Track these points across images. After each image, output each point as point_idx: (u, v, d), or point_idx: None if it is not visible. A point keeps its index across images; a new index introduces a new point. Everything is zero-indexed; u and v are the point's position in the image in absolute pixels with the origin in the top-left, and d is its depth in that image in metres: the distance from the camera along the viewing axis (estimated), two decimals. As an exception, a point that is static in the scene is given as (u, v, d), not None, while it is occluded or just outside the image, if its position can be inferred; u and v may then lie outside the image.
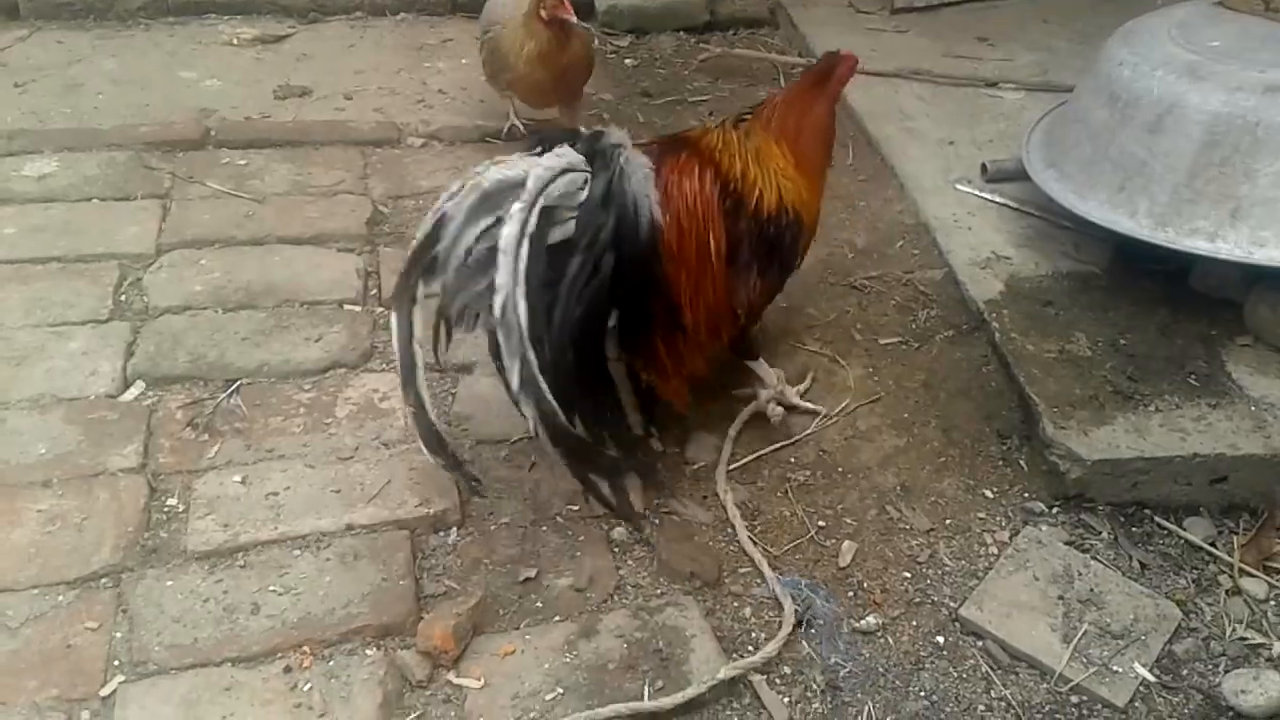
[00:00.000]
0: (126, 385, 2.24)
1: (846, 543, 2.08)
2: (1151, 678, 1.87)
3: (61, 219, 2.65)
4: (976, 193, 2.97)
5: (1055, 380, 2.33)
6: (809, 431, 2.31)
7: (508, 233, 1.76)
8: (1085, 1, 4.23)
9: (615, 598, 1.92)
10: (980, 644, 1.92)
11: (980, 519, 2.15)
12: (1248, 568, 2.10)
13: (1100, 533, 2.13)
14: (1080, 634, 1.92)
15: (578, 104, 3.09)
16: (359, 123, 3.15)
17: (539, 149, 1.89)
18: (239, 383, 2.26)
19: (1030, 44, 3.86)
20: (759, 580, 1.99)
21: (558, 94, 2.99)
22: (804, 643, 1.89)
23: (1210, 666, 1.92)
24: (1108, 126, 2.58)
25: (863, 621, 1.94)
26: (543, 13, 2.74)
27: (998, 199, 2.94)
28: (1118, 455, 2.15)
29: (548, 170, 1.83)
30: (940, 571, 2.04)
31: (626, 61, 3.84)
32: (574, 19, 2.76)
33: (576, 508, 2.07)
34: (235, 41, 3.64)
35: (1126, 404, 2.28)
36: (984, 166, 3.03)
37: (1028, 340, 2.44)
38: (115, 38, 3.65)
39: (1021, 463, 2.26)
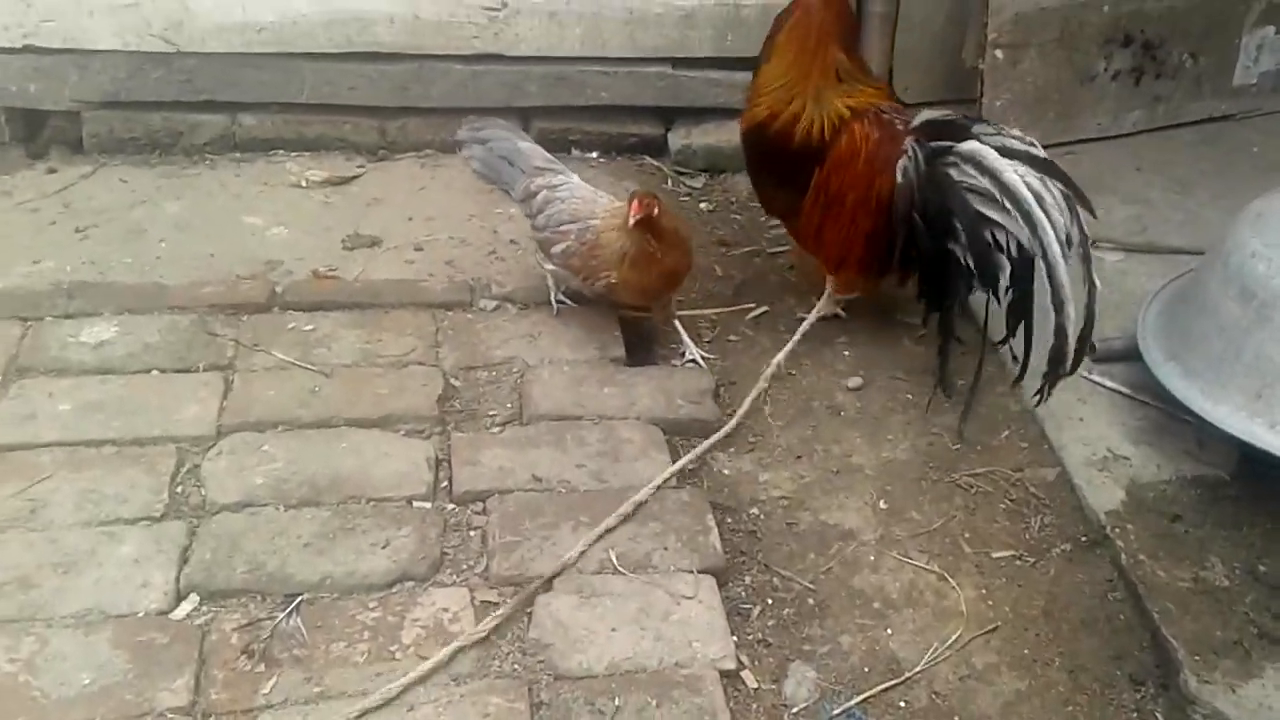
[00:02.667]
0: (180, 599, 2.08)
1: (969, 815, 1.86)
2: None
3: (118, 395, 2.52)
4: (1085, 374, 2.77)
5: (1192, 618, 2.11)
6: (919, 669, 2.10)
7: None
8: (1179, 145, 4.06)
9: None
10: None
11: (1116, 785, 1.92)
12: None
13: (1254, 810, 1.90)
14: None
15: (673, 296, 2.90)
16: (430, 284, 3.01)
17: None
18: (299, 599, 2.09)
19: (1125, 195, 3.68)
20: None
21: (658, 296, 2.83)
22: None
23: None
24: (1240, 324, 2.38)
25: None
26: (632, 220, 2.58)
27: (1109, 384, 2.74)
28: (1273, 721, 1.92)
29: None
30: None
31: (701, 205, 3.70)
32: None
33: (668, 766, 1.86)
34: (304, 184, 3.54)
35: (1275, 650, 2.05)
36: (1092, 345, 2.83)
37: (1157, 564, 2.23)
38: (180, 176, 3.57)
39: (1159, 715, 2.03)
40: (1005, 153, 2.51)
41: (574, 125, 3.87)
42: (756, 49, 3.14)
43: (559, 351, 2.80)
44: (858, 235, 2.81)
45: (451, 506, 2.33)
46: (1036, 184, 2.45)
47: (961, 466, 2.55)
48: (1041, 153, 2.54)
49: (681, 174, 3.86)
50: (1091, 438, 2.57)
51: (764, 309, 3.10)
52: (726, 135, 3.90)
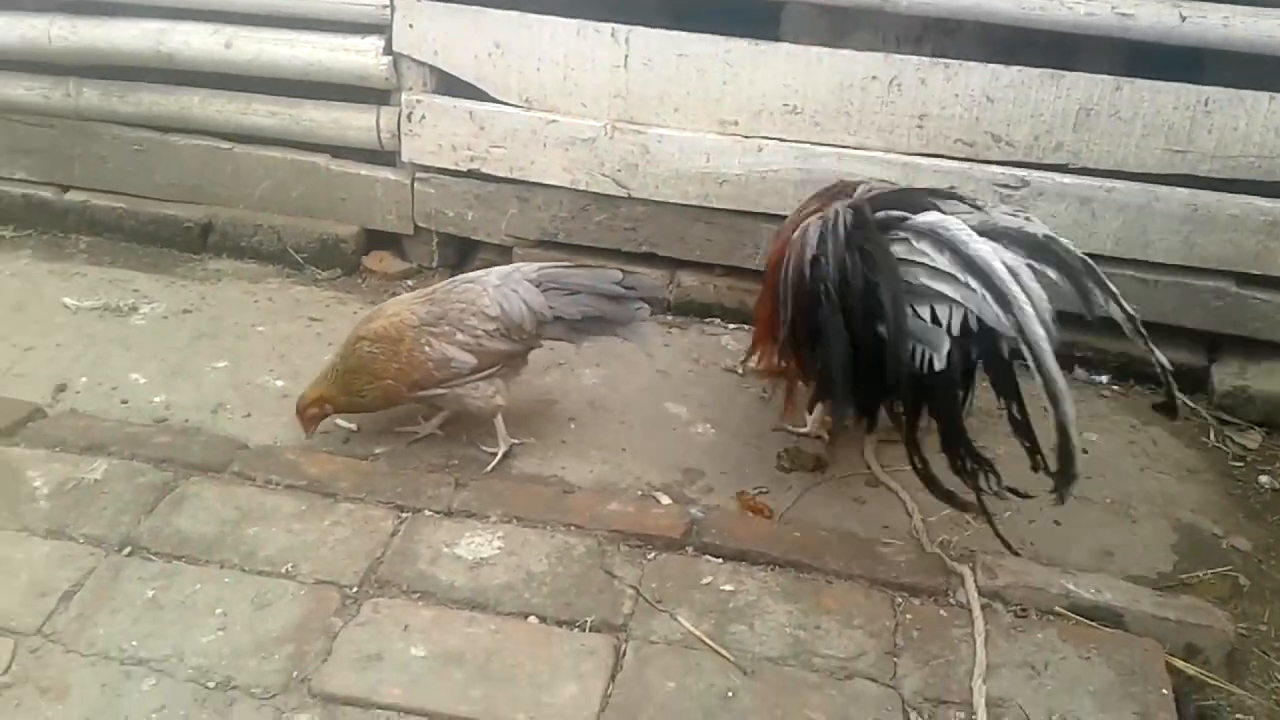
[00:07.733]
0: None
1: None
2: None
3: (485, 647, 1.95)
4: None
5: None
6: None
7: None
8: None
9: None
10: None
11: None
12: None
13: None
14: None
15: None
16: (889, 552, 2.24)
17: None
18: None
19: None
20: None
21: None
22: None
23: None
24: None
25: None
26: None
27: None
28: None
29: None
30: None
31: (1262, 479, 2.68)
32: None
33: None
34: (740, 370, 2.93)
35: None
36: None
37: None
38: (604, 337, 3.08)
39: None
40: (989, 232, 2.09)
41: (1082, 338, 3.00)
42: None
43: (1078, 705, 1.91)
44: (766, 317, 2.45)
45: None
46: (1011, 260, 2.04)
47: None
48: (1039, 229, 2.12)
49: (1226, 424, 2.87)
50: None
51: None
52: (1304, 384, 2.89)
